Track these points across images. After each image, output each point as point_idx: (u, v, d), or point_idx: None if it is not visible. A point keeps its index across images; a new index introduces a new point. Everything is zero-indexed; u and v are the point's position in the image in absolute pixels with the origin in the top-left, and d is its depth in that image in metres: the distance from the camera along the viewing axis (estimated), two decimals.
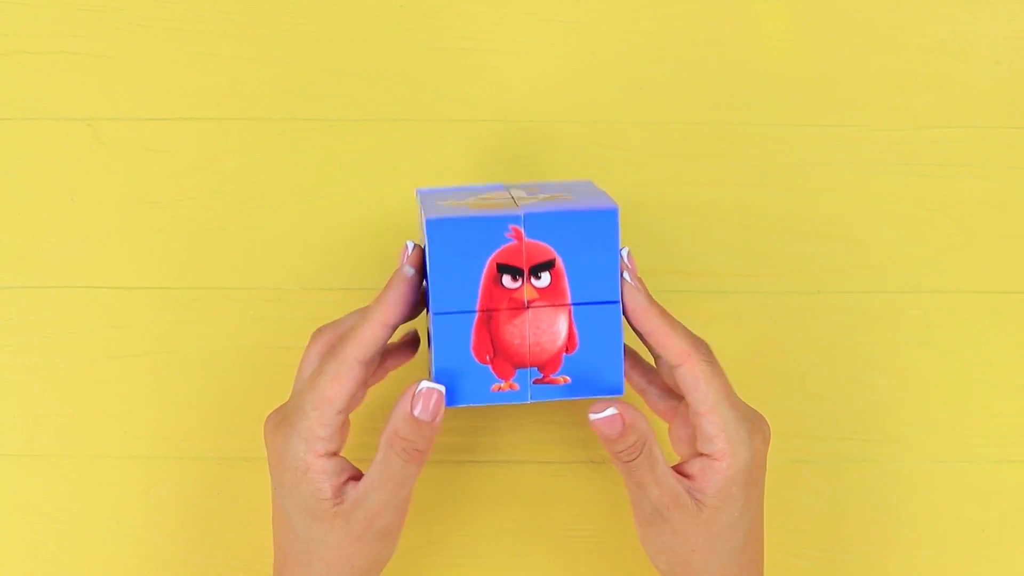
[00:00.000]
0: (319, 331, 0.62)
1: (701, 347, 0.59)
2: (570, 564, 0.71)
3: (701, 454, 0.59)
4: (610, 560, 0.71)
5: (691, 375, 0.58)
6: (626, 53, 0.74)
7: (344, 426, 0.59)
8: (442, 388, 0.57)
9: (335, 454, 0.59)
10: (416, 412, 0.57)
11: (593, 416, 0.58)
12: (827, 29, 0.74)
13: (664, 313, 0.59)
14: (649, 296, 0.59)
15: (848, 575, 0.71)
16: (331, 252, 0.72)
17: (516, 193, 0.60)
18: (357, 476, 0.60)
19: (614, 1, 0.74)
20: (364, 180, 0.73)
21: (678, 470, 0.60)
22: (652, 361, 0.64)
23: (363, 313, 0.59)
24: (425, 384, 0.57)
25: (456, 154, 0.73)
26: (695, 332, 0.62)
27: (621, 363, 0.59)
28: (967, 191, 0.73)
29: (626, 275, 0.59)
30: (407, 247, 0.60)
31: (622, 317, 0.59)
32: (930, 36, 0.74)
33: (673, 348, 0.58)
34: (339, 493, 0.59)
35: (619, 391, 0.58)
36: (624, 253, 0.59)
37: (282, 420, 0.59)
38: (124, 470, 0.71)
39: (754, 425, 0.59)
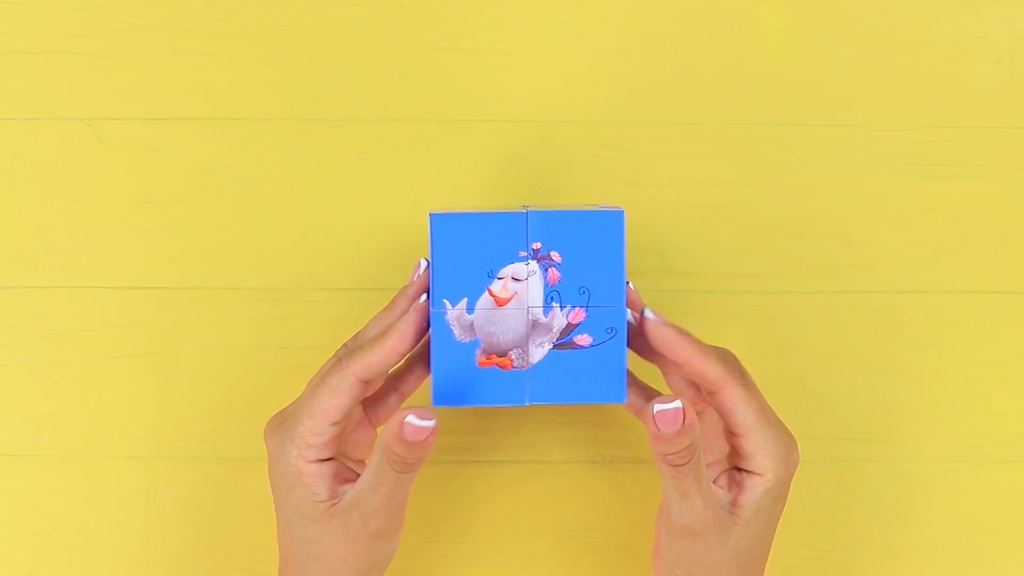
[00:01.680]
0: (344, 346, 0.61)
1: (734, 370, 0.59)
2: (570, 564, 0.71)
3: (739, 469, 0.60)
4: (610, 560, 0.71)
5: (729, 400, 0.59)
6: (626, 53, 0.74)
7: (336, 437, 0.59)
8: (431, 423, 0.56)
9: (329, 459, 0.59)
10: (407, 436, 0.56)
11: (659, 407, 0.56)
12: (827, 29, 0.74)
13: (693, 343, 0.59)
14: (675, 327, 0.59)
15: (848, 575, 0.71)
16: (331, 252, 0.72)
17: (532, 268, 0.59)
18: (352, 478, 0.60)
19: (614, 1, 0.74)
20: (364, 180, 0.73)
21: (715, 483, 0.60)
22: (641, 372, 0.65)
23: (378, 336, 0.59)
24: (412, 419, 0.56)
25: (456, 154, 0.73)
26: (697, 332, 0.62)
27: (623, 371, 0.58)
28: (967, 191, 0.73)
29: (648, 311, 0.59)
30: (419, 265, 0.60)
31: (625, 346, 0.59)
32: (930, 36, 0.74)
33: (709, 376, 0.59)
34: (334, 495, 0.59)
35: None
36: (630, 286, 0.60)
37: (279, 425, 0.60)
38: (124, 470, 0.71)
39: (791, 440, 0.60)
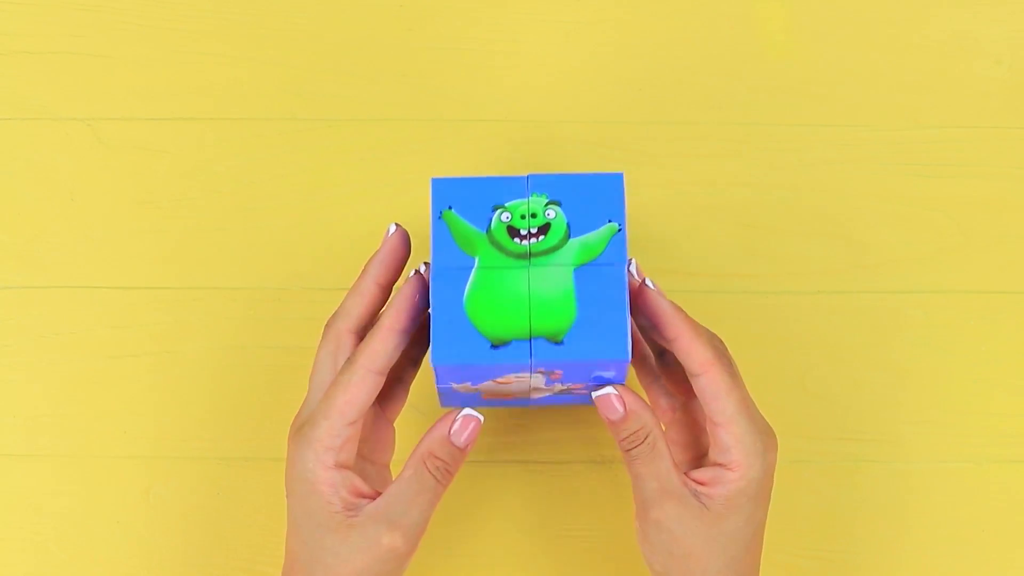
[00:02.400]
0: (329, 325, 0.61)
1: (722, 356, 0.59)
2: (570, 564, 0.71)
3: (714, 463, 0.59)
4: (611, 560, 0.71)
5: (712, 385, 0.58)
6: (626, 53, 0.74)
7: (354, 439, 0.59)
8: (481, 417, 0.59)
9: (345, 467, 0.59)
10: (452, 433, 0.58)
11: (593, 394, 0.59)
12: (827, 29, 0.74)
13: (687, 320, 0.59)
14: (671, 303, 0.59)
15: (848, 575, 0.71)
16: (331, 252, 0.72)
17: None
18: (368, 494, 0.59)
19: (614, 1, 0.74)
20: (364, 180, 0.73)
21: (688, 475, 0.60)
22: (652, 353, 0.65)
23: (375, 323, 0.59)
24: (467, 410, 0.59)
25: (456, 154, 0.73)
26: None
27: (627, 327, 0.57)
28: (967, 191, 0.73)
29: (648, 281, 0.59)
30: (388, 229, 0.60)
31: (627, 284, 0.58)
32: (930, 36, 0.74)
33: (696, 357, 0.58)
34: (351, 507, 0.58)
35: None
36: (633, 267, 0.60)
37: (298, 429, 0.59)
38: (124, 470, 0.71)
39: (770, 439, 0.60)
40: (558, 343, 0.57)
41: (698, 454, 0.63)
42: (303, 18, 0.74)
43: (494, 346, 0.56)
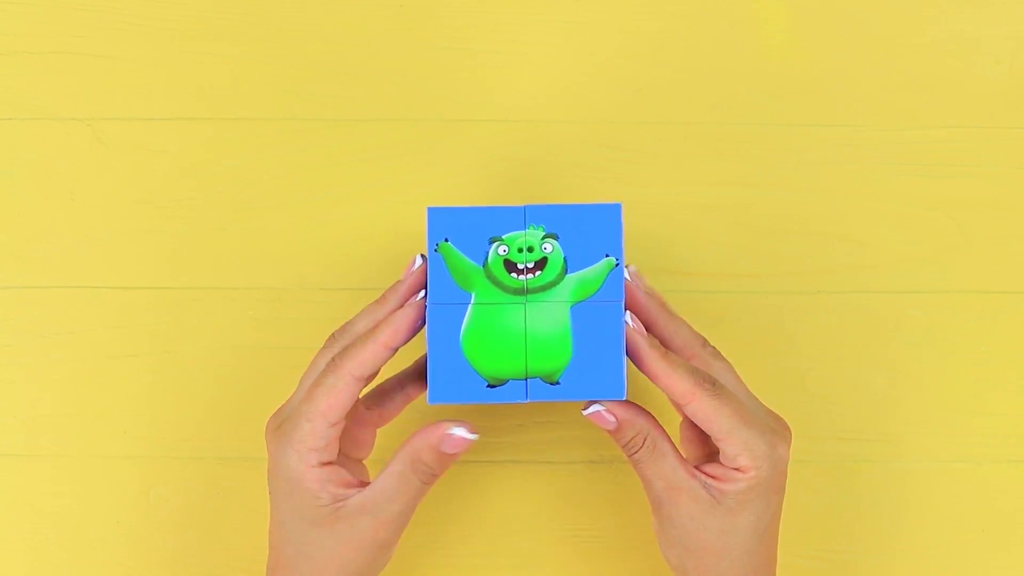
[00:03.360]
0: (332, 336, 0.62)
1: (704, 382, 0.59)
2: (570, 564, 0.71)
3: (723, 466, 0.60)
4: (611, 560, 0.71)
5: (700, 411, 0.59)
6: (626, 53, 0.74)
7: (337, 439, 0.60)
8: (475, 437, 0.59)
9: (329, 464, 0.59)
10: (445, 448, 0.59)
11: (584, 412, 0.60)
12: (827, 29, 0.74)
13: (665, 355, 0.59)
14: (650, 341, 0.59)
15: (848, 575, 0.71)
16: (331, 252, 0.72)
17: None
18: (355, 484, 0.60)
19: (614, 1, 0.74)
20: (364, 180, 0.73)
21: (700, 469, 0.60)
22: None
23: (369, 332, 0.59)
24: (462, 431, 0.58)
25: (456, 154, 0.73)
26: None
27: (622, 366, 0.58)
28: (967, 191, 0.73)
29: (627, 318, 0.59)
30: (414, 261, 0.60)
31: (624, 319, 0.59)
32: (930, 36, 0.74)
33: (677, 389, 0.59)
34: (336, 498, 0.59)
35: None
36: (633, 269, 0.60)
37: (278, 428, 0.60)
38: (124, 470, 0.71)
39: (775, 435, 0.60)
40: (554, 383, 0.57)
41: (709, 450, 0.63)
42: (303, 18, 0.74)
43: (491, 385, 0.57)
